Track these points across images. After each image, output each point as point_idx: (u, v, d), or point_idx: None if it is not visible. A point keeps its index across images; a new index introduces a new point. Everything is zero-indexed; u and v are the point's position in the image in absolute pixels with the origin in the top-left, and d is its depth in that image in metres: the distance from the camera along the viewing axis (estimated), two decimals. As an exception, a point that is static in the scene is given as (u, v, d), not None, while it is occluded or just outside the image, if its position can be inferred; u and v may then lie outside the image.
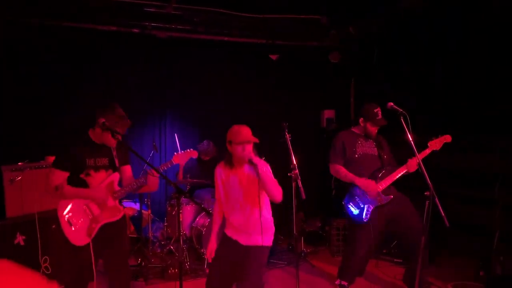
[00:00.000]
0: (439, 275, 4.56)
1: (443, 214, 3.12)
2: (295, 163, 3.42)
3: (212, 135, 6.11)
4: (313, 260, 5.32)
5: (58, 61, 5.48)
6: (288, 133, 3.59)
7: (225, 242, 3.36)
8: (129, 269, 3.42)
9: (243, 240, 3.27)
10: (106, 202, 3.14)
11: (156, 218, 5.90)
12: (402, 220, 3.98)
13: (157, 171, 3.10)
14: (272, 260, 5.17)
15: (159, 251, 5.43)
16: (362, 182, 3.92)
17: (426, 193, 3.23)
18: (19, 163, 4.19)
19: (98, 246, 3.10)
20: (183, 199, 5.18)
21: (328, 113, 7.03)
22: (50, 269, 4.06)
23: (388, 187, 3.97)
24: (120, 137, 3.05)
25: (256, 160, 3.09)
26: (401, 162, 3.97)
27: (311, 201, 3.67)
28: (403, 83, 5.75)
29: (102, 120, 3.05)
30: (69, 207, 3.08)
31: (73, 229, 3.04)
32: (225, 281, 3.27)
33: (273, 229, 3.36)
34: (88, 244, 3.04)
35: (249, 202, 3.24)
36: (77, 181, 3.09)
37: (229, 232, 3.37)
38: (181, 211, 5.09)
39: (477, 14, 4.70)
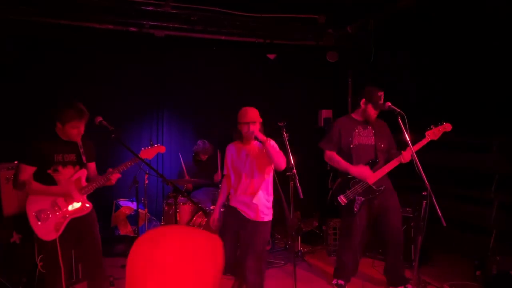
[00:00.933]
0: (435, 274, 4.57)
1: (440, 214, 3.14)
2: (292, 162, 3.44)
3: (209, 133, 6.11)
4: (310, 259, 5.32)
5: (54, 59, 5.46)
6: (286, 133, 3.61)
7: (230, 212, 3.69)
8: (102, 262, 3.43)
9: (248, 214, 3.57)
10: (74, 197, 3.17)
11: (153, 217, 5.88)
12: (385, 217, 4.01)
13: (154, 169, 3.12)
14: (269, 260, 5.16)
15: (156, 250, 5.41)
16: (357, 170, 3.89)
17: (423, 193, 3.25)
18: (15, 162, 4.16)
19: (67, 240, 3.15)
20: (180, 198, 5.16)
21: (326, 113, 7.02)
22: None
23: (381, 178, 3.93)
24: (114, 135, 3.09)
25: (261, 137, 3.45)
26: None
27: (308, 200, 3.67)
28: (401, 83, 5.76)
29: (100, 119, 3.10)
30: (37, 201, 3.11)
31: (40, 223, 3.08)
32: (233, 247, 3.64)
33: (270, 204, 3.64)
34: (55, 240, 3.07)
35: (255, 176, 3.59)
36: (44, 177, 3.12)
37: (234, 204, 3.68)
38: (178, 210, 5.10)
39: (474, 12, 4.71)
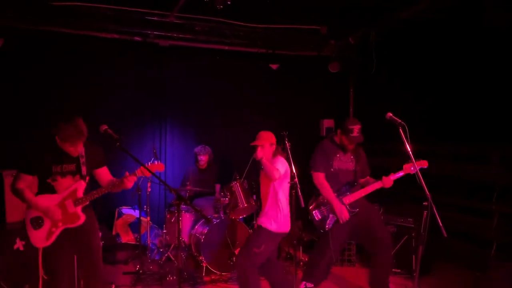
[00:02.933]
0: (436, 285, 4.57)
1: (440, 224, 3.15)
2: (294, 171, 3.47)
3: (212, 142, 6.14)
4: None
5: (60, 67, 5.53)
6: (288, 142, 3.65)
7: None
8: (101, 272, 3.45)
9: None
10: (67, 208, 3.20)
11: (155, 225, 5.90)
12: (367, 229, 4.10)
13: (157, 177, 3.15)
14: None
15: (157, 258, 5.44)
16: (338, 208, 3.98)
17: (424, 203, 3.27)
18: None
19: (61, 250, 3.20)
20: (182, 206, 5.19)
21: (328, 123, 7.06)
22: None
23: (356, 200, 4.05)
24: (119, 144, 3.13)
25: (257, 157, 3.80)
26: (388, 171, 4.01)
27: (308, 210, 3.71)
28: (402, 93, 5.80)
29: (105, 127, 3.14)
30: (34, 209, 3.17)
31: (33, 230, 3.15)
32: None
33: (272, 216, 3.83)
34: (48, 247, 3.16)
35: (261, 189, 3.97)
36: (44, 186, 3.19)
37: None
38: (180, 218, 5.12)
39: (474, 24, 4.76)
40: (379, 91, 6.24)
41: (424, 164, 3.89)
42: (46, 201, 3.17)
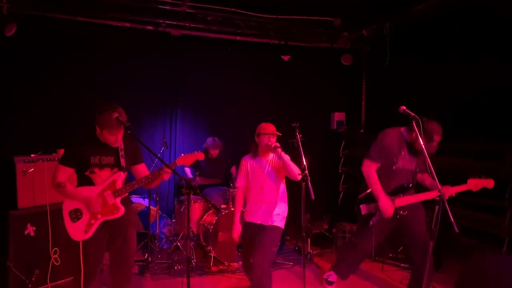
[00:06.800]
0: (446, 281, 4.53)
1: (452, 220, 3.10)
2: (305, 164, 3.44)
3: (222, 132, 6.14)
4: (319, 261, 5.32)
5: (70, 55, 5.52)
6: (299, 134, 3.62)
7: (248, 229, 3.90)
8: (131, 266, 3.41)
9: (261, 220, 3.79)
10: (107, 200, 3.16)
11: (164, 215, 5.93)
12: (409, 225, 3.95)
13: (170, 167, 3.15)
14: (278, 261, 5.18)
15: (166, 247, 5.46)
16: (385, 203, 3.79)
17: (436, 198, 3.23)
18: (31, 155, 4.23)
19: (98, 243, 3.16)
20: (191, 196, 5.19)
21: (339, 116, 7.01)
22: (59, 260, 4.11)
23: (407, 205, 3.86)
24: (130, 132, 3.09)
25: (281, 150, 3.66)
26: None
27: (318, 202, 3.69)
28: (415, 87, 5.73)
29: (116, 115, 3.09)
30: (73, 201, 3.13)
31: (72, 223, 3.11)
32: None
33: (286, 213, 3.87)
34: (86, 240, 3.09)
35: (269, 187, 3.80)
36: (82, 178, 3.15)
37: (249, 218, 3.89)
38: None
39: (489, 17, 4.67)
40: (392, 85, 6.16)
41: (490, 183, 3.74)
42: (87, 191, 3.12)
